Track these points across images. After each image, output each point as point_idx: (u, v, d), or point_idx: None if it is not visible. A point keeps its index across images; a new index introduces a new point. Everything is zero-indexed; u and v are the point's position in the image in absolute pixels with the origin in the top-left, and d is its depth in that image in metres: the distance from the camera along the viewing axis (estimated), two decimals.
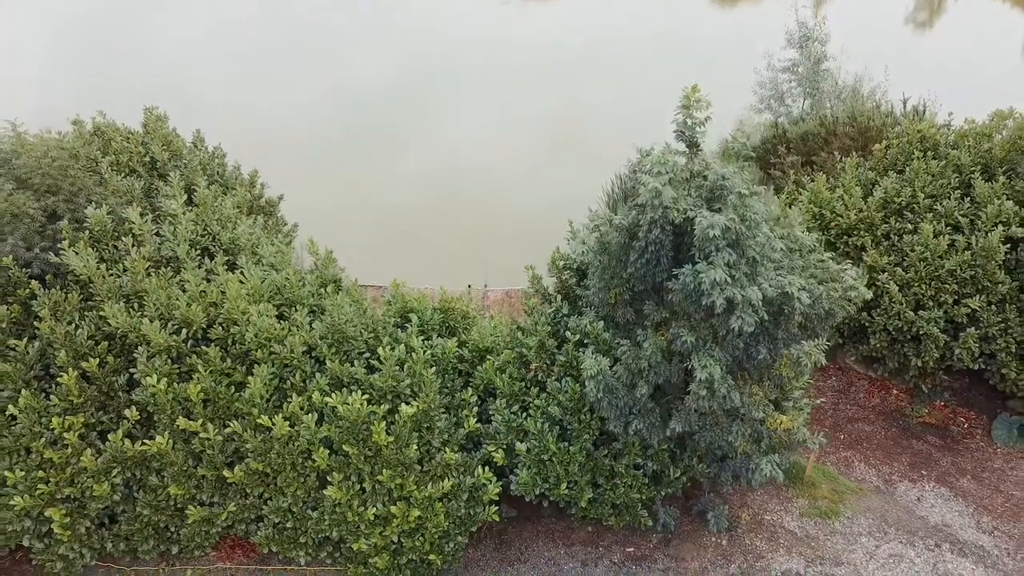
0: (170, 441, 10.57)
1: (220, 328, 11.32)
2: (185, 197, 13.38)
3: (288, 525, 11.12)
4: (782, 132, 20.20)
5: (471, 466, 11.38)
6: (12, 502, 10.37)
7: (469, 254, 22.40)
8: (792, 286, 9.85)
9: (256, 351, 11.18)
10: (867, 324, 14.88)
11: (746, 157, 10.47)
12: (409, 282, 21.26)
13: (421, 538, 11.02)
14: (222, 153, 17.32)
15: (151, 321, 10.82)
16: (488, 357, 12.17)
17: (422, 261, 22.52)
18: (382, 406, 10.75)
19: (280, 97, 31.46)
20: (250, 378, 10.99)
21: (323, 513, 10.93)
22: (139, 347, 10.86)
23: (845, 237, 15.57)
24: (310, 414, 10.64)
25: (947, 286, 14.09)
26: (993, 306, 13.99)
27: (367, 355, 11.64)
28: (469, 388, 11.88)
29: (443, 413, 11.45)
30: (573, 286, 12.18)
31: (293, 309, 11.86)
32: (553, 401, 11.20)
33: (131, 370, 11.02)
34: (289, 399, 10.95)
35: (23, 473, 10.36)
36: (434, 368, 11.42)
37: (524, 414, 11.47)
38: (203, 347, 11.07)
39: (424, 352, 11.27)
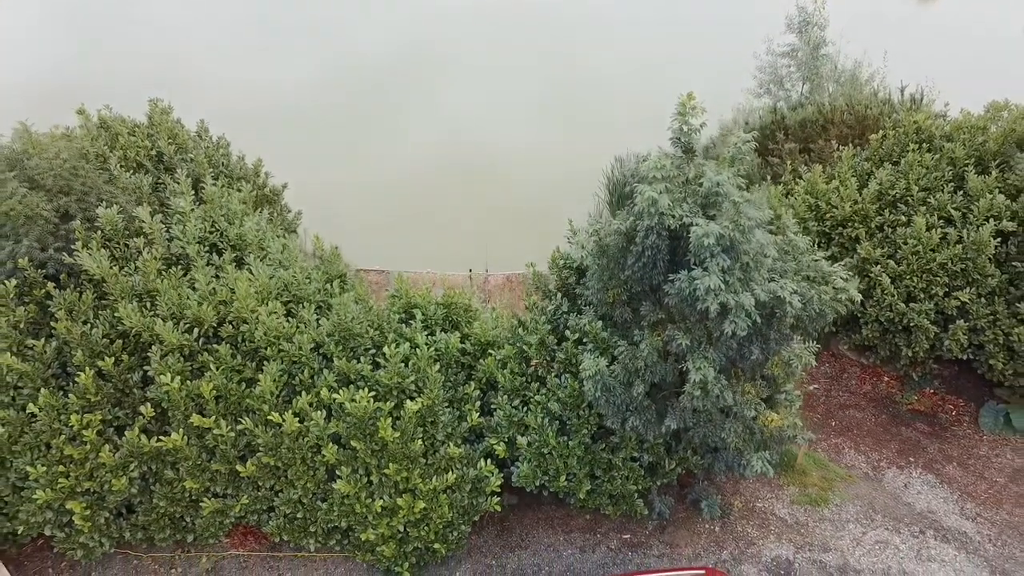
0: (185, 437, 10.99)
1: (230, 326, 11.68)
2: (192, 193, 13.69)
3: (299, 515, 11.59)
4: (780, 118, 20.35)
5: (474, 458, 11.82)
6: (35, 496, 10.85)
7: (470, 233, 22.63)
8: (784, 290, 10.19)
9: (266, 349, 11.56)
10: (859, 315, 15.23)
11: (742, 161, 10.73)
12: (410, 266, 21.69)
13: (426, 528, 11.50)
14: (226, 143, 17.56)
15: (164, 321, 11.19)
16: (490, 352, 12.55)
17: (422, 241, 22.73)
18: (388, 403, 11.16)
19: (275, 71, 31.23)
20: (260, 374, 11.41)
21: (332, 504, 11.41)
22: (152, 346, 11.24)
23: (840, 228, 15.83)
24: (319, 411, 11.05)
25: (938, 279, 14.40)
26: (983, 298, 14.31)
27: (373, 351, 12.01)
28: (471, 382, 12.29)
29: (446, 407, 11.87)
30: (573, 284, 12.50)
31: (300, 306, 12.21)
32: (553, 397, 11.61)
33: (145, 367, 11.41)
34: (298, 395, 11.37)
35: (44, 468, 10.80)
36: (437, 364, 11.84)
37: (525, 408, 11.88)
38: (214, 345, 11.45)
39: (428, 349, 11.66)
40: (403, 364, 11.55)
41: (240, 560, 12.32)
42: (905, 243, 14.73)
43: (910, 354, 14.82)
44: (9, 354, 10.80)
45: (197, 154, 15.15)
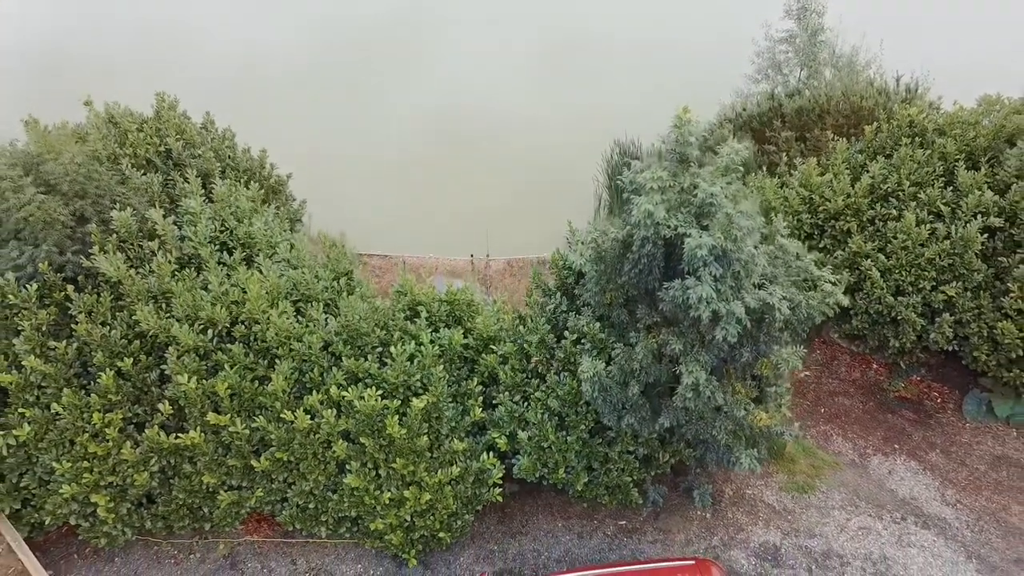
0: (202, 434, 11.55)
1: (243, 326, 12.18)
2: (202, 191, 14.09)
3: (310, 506, 12.21)
4: (778, 105, 20.58)
5: (477, 451, 12.40)
6: (61, 489, 11.45)
7: (471, 213, 22.89)
8: (773, 297, 10.68)
9: (277, 348, 12.07)
10: (850, 307, 15.68)
11: (736, 171, 11.12)
12: (412, 250, 22.08)
13: (432, 517, 12.12)
14: (232, 134, 17.86)
15: (180, 324, 11.68)
16: (492, 347, 13.06)
17: (423, 223, 22.99)
18: (394, 401, 11.70)
19: (253, 32, 30.92)
20: (272, 372, 11.95)
21: (342, 496, 12.02)
22: (169, 347, 11.75)
23: (833, 221, 16.22)
24: (330, 409, 11.61)
25: (926, 273, 14.84)
26: (968, 292, 14.76)
27: (380, 349, 12.52)
28: (474, 377, 12.83)
29: (450, 402, 12.41)
30: (572, 284, 12.96)
31: (309, 305, 12.69)
32: (552, 394, 12.15)
33: (162, 367, 11.94)
34: (309, 393, 11.92)
35: (69, 464, 11.38)
36: (441, 361, 12.38)
37: (525, 404, 12.44)
38: (228, 345, 11.95)
39: (432, 347, 12.17)
40: (409, 362, 12.07)
41: (255, 546, 12.97)
42: (895, 237, 15.15)
43: (898, 345, 15.33)
44: (33, 356, 11.31)
45: (205, 151, 15.45)
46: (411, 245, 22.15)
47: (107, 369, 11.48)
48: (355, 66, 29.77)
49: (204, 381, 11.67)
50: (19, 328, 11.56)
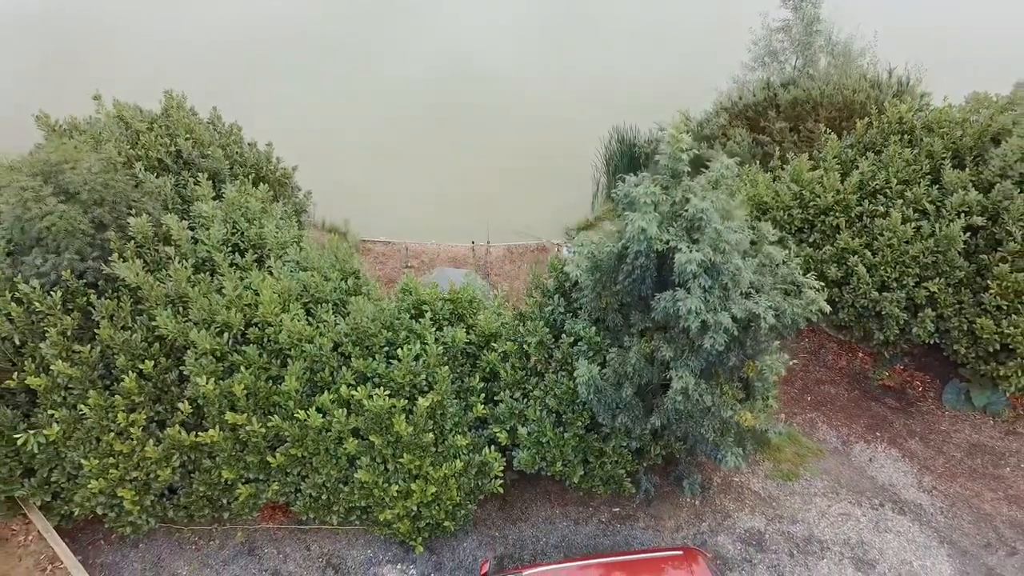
0: (220, 432, 12.27)
1: (256, 329, 12.82)
2: (213, 193, 14.62)
3: (323, 497, 12.98)
4: (773, 95, 20.97)
5: (479, 445, 13.14)
6: (89, 484, 12.21)
7: (471, 196, 23.33)
8: (759, 306, 11.30)
9: (289, 350, 12.73)
10: (837, 300, 16.32)
11: (727, 187, 11.67)
12: (413, 236, 22.58)
13: (437, 508, 12.90)
14: (238, 128, 18.28)
15: (198, 329, 12.32)
16: (493, 345, 13.72)
17: (423, 206, 23.38)
18: (401, 400, 12.40)
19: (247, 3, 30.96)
20: (285, 371, 12.64)
21: (353, 488, 12.78)
22: (188, 350, 12.41)
23: (823, 217, 16.76)
24: (341, 409, 12.31)
25: (910, 270, 15.43)
26: (950, 288, 15.38)
27: (386, 349, 13.18)
28: (476, 373, 13.50)
29: (454, 399, 13.11)
30: (570, 288, 13.57)
31: (319, 307, 13.33)
32: (550, 393, 12.84)
33: (180, 367, 12.61)
34: (320, 392, 12.62)
35: (96, 461, 12.12)
36: (445, 359, 13.06)
37: (525, 400, 13.14)
38: (243, 347, 12.61)
39: (436, 348, 12.84)
40: (415, 362, 12.75)
41: (270, 533, 13.79)
42: (881, 234, 15.70)
43: (882, 337, 15.98)
44: (59, 360, 11.96)
45: (214, 150, 15.91)
46: (413, 231, 22.66)
47: (129, 372, 12.15)
48: (351, 39, 29.82)
49: (221, 382, 12.35)
50: (45, 333, 12.20)
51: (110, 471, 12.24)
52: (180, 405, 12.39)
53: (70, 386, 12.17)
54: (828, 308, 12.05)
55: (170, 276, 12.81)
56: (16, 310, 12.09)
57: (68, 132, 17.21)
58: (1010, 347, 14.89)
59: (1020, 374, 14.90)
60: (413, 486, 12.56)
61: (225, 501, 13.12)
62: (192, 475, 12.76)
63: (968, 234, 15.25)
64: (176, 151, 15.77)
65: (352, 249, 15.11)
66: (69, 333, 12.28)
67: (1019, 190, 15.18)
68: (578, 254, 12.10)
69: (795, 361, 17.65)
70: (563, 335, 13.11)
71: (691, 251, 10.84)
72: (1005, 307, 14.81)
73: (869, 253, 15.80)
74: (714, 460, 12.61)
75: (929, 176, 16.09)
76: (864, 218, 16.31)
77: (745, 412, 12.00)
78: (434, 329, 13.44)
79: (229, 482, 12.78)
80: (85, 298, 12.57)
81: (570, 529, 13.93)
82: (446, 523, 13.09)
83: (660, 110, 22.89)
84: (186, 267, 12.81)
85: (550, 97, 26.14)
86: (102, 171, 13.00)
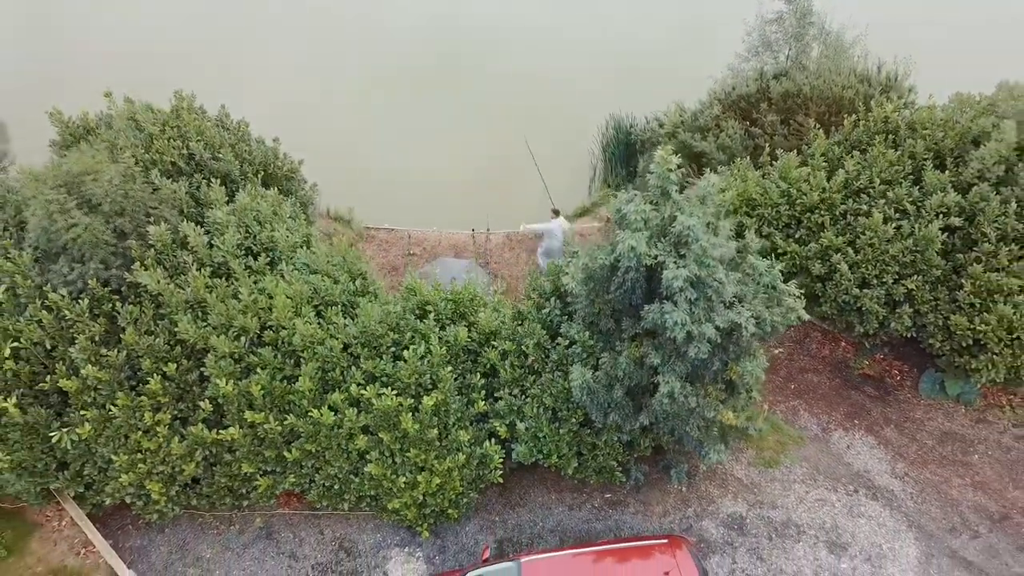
0: (240, 429, 13.20)
1: (271, 331, 13.67)
2: (225, 196, 15.32)
3: (335, 487, 13.98)
4: (765, 86, 21.48)
5: (480, 438, 14.09)
6: (120, 478, 13.19)
7: (472, 182, 23.92)
8: (741, 316, 12.13)
9: (302, 352, 13.60)
10: (820, 294, 17.13)
11: (713, 203, 12.40)
12: (416, 223, 23.22)
13: (441, 497, 13.89)
14: (246, 124, 18.87)
15: (216, 333, 13.17)
16: (493, 343, 14.58)
17: (425, 193, 23.96)
18: (408, 399, 13.31)
19: None
20: (298, 371, 13.53)
21: (363, 480, 13.77)
22: (208, 353, 13.27)
23: (808, 214, 17.47)
24: (352, 408, 13.22)
25: (889, 268, 16.20)
26: (927, 286, 16.18)
27: (393, 349, 14.05)
28: (477, 370, 14.39)
29: (456, 395, 14.02)
30: (565, 292, 14.37)
31: (329, 309, 14.15)
32: (547, 392, 13.74)
33: (201, 368, 13.49)
34: (331, 391, 13.53)
35: (126, 456, 13.08)
36: (449, 359, 13.93)
37: (524, 396, 14.06)
38: (259, 349, 13.47)
39: (440, 348, 13.70)
40: (420, 362, 13.63)
41: (286, 518, 14.83)
42: (863, 233, 16.45)
43: (862, 330, 16.85)
44: (89, 364, 12.83)
45: (225, 152, 16.53)
46: (415, 218, 23.31)
47: (154, 374, 13.03)
48: (350, 15, 30.07)
49: (239, 382, 13.25)
50: (74, 338, 13.05)
51: (138, 466, 13.21)
52: (201, 404, 13.31)
53: (99, 388, 13.06)
54: (807, 316, 12.91)
55: (188, 283, 13.60)
56: (47, 317, 12.93)
57: (82, 129, 17.89)
58: (982, 342, 15.74)
59: (990, 367, 15.77)
60: (419, 478, 13.55)
61: (245, 491, 14.13)
62: (214, 468, 13.74)
63: (946, 234, 16.01)
64: (188, 154, 16.39)
65: (358, 247, 15.78)
66: (97, 338, 13.12)
67: (995, 192, 15.92)
68: (572, 266, 12.87)
69: (781, 350, 18.54)
70: (559, 337, 13.97)
71: (678, 267, 11.63)
72: (978, 305, 15.63)
73: (851, 251, 16.55)
74: (699, 455, 13.57)
75: (911, 176, 16.78)
76: (848, 216, 17.02)
77: (727, 412, 12.90)
78: (438, 328, 14.30)
79: (248, 475, 13.76)
80: (110, 304, 13.38)
81: (565, 514, 14.96)
82: (450, 511, 14.10)
83: (659, 92, 23.61)
84: (204, 275, 13.59)
85: (548, 91, 26.55)
86: (122, 182, 13.67)
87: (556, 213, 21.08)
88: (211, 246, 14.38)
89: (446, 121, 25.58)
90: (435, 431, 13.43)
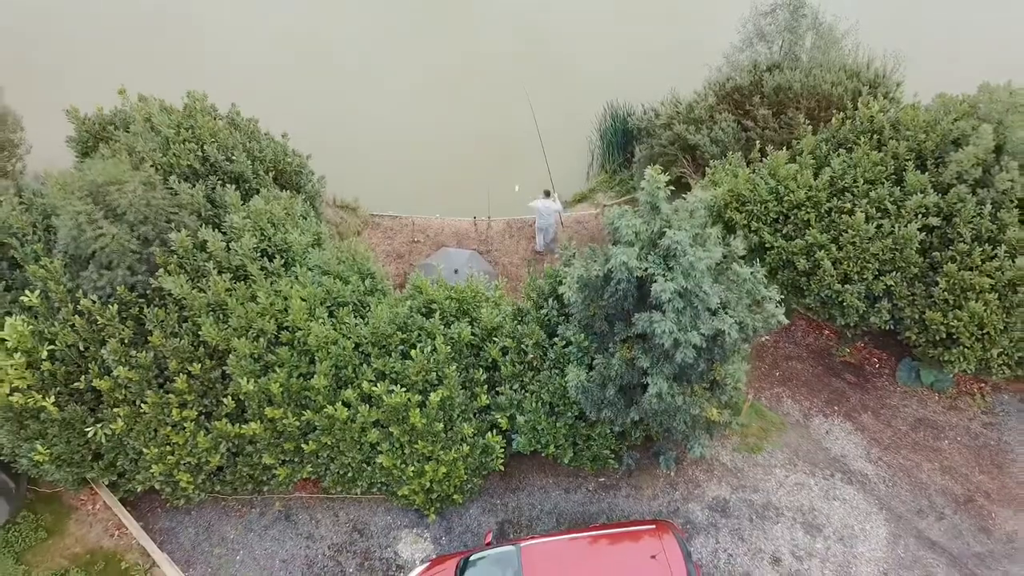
0: (260, 424, 14.27)
1: (287, 332, 14.65)
2: (240, 199, 16.16)
3: (348, 474, 15.11)
4: (758, 79, 22.10)
5: (483, 430, 15.18)
6: (150, 469, 14.31)
7: (473, 169, 24.59)
8: (725, 323, 13.09)
9: (317, 351, 14.60)
10: (804, 288, 18.05)
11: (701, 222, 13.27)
12: (419, 210, 23.99)
13: (447, 484, 15.02)
14: (255, 121, 19.59)
15: (237, 335, 14.15)
16: (494, 339, 15.57)
17: (427, 180, 24.66)
18: (416, 395, 14.35)
19: None
20: (314, 368, 14.55)
21: (375, 469, 14.89)
22: (230, 353, 14.28)
23: (795, 211, 18.31)
24: (364, 405, 14.27)
25: (870, 265, 17.10)
26: (905, 282, 17.10)
27: (401, 348, 15.05)
28: (480, 368, 15.40)
29: (461, 390, 15.06)
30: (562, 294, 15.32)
31: (340, 309, 15.11)
32: (544, 388, 14.78)
33: (223, 367, 14.50)
34: (344, 387, 14.57)
35: (156, 449, 14.17)
36: (453, 355, 14.94)
37: (523, 391, 15.10)
38: (276, 349, 14.47)
39: (445, 348, 14.70)
40: (426, 360, 14.64)
41: (303, 502, 16.00)
42: (846, 231, 17.31)
43: (843, 322, 17.83)
44: (120, 366, 13.84)
45: (238, 154, 17.30)
46: (418, 205, 24.08)
47: (180, 374, 14.05)
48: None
49: (259, 380, 14.27)
50: (105, 341, 14.03)
51: (167, 457, 14.32)
52: (224, 400, 14.35)
53: (130, 386, 14.09)
54: (786, 321, 13.85)
55: (209, 286, 14.53)
56: (79, 321, 13.90)
57: (98, 126, 18.65)
58: (954, 336, 16.74)
59: (962, 359, 16.77)
60: (426, 467, 14.66)
61: (265, 479, 15.26)
62: (237, 458, 14.85)
63: (924, 233, 16.87)
64: (203, 156, 17.16)
65: (364, 234, 16.64)
66: (126, 341, 14.11)
67: (972, 193, 16.76)
68: (569, 276, 13.78)
69: (767, 337, 19.53)
70: (556, 337, 14.95)
71: (667, 280, 12.55)
72: (951, 301, 16.58)
73: (835, 248, 17.43)
74: (685, 448, 14.66)
75: (893, 176, 17.58)
76: (832, 213, 17.85)
77: (712, 409, 13.95)
78: (443, 326, 15.27)
79: (269, 465, 14.88)
80: (138, 308, 14.34)
81: (562, 497, 16.13)
82: (455, 496, 15.25)
83: (659, 79, 24.17)
84: (224, 280, 14.52)
85: (549, 72, 27.04)
86: (144, 192, 14.50)
87: (547, 194, 21.85)
88: (228, 249, 15.27)
89: (447, 108, 26.17)
90: (441, 424, 14.49)
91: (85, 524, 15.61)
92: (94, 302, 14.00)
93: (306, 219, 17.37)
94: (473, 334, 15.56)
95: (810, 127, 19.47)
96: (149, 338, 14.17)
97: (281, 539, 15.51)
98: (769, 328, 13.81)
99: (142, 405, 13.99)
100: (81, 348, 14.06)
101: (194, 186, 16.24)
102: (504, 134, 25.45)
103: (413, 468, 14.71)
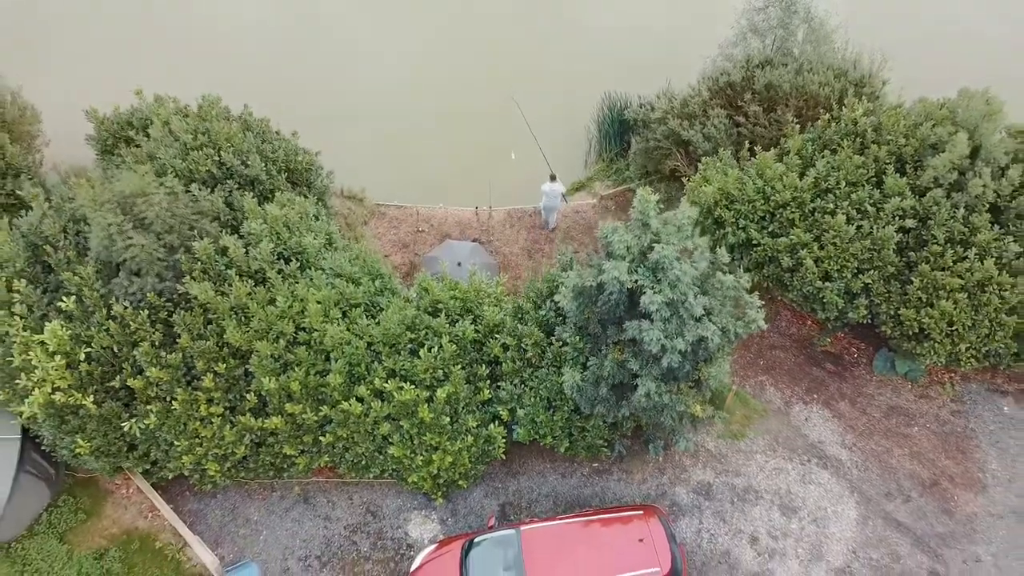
0: (281, 418, 15.53)
1: (304, 333, 15.83)
2: (253, 197, 17.19)
3: (362, 463, 16.42)
4: (750, 75, 22.88)
5: (486, 421, 16.45)
6: (181, 459, 15.62)
7: (474, 158, 25.42)
8: (708, 330, 14.24)
9: (332, 351, 15.79)
10: (788, 284, 19.16)
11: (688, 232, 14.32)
12: (423, 200, 24.91)
13: (453, 471, 16.34)
14: (266, 120, 20.48)
15: (259, 337, 15.32)
16: (496, 335, 16.75)
17: (431, 169, 25.46)
18: (424, 392, 15.58)
19: None
20: (329, 366, 15.75)
21: (386, 458, 16.20)
22: (252, 354, 15.47)
23: (781, 210, 19.32)
24: (376, 400, 15.51)
25: (849, 264, 18.20)
26: (882, 280, 18.21)
27: (410, 346, 16.23)
28: (483, 363, 16.60)
29: (465, 385, 16.29)
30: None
31: (352, 310, 16.26)
32: (542, 385, 16.01)
33: (246, 366, 15.71)
34: (357, 384, 15.79)
35: (186, 442, 15.46)
36: (458, 353, 16.12)
37: (523, 386, 16.33)
38: (294, 348, 15.66)
39: (451, 347, 15.88)
40: (433, 359, 15.83)
41: (320, 485, 17.36)
42: (827, 231, 18.35)
43: (823, 316, 18.99)
44: (152, 367, 15.04)
45: (253, 159, 18.25)
46: (423, 193, 25.00)
47: (207, 373, 15.26)
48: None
49: (279, 378, 15.48)
50: (137, 343, 15.21)
51: (196, 449, 15.61)
52: (248, 396, 15.58)
53: (161, 385, 15.29)
54: (765, 326, 15.00)
55: (231, 290, 15.64)
56: (113, 326, 15.05)
57: (116, 126, 19.59)
58: (926, 332, 17.91)
59: (933, 353, 17.96)
60: (434, 457, 15.96)
61: (285, 466, 16.58)
62: (260, 449, 16.14)
63: (900, 234, 17.92)
64: (220, 162, 18.11)
65: (371, 224, 17.70)
66: (156, 343, 15.28)
67: (946, 196, 17.78)
68: (564, 286, 14.89)
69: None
70: (553, 336, 16.12)
71: (655, 292, 13.68)
72: (924, 299, 17.71)
73: (817, 247, 18.49)
74: (672, 441, 15.95)
75: (874, 178, 18.56)
76: (816, 213, 18.87)
77: (696, 406, 15.18)
78: (448, 325, 16.44)
79: (289, 455, 16.18)
80: (166, 312, 15.48)
81: (558, 481, 17.48)
82: (460, 481, 16.59)
83: (656, 71, 24.90)
84: (246, 285, 15.63)
85: (547, 61, 27.70)
86: (169, 204, 15.52)
87: (552, 178, 22.89)
88: (247, 254, 16.34)
89: (448, 102, 26.88)
90: (447, 418, 15.75)
91: (120, 507, 16.99)
92: (126, 308, 15.13)
93: (318, 219, 18.37)
94: (476, 331, 16.72)
95: (798, 125, 20.38)
96: (177, 340, 15.33)
97: (301, 520, 16.90)
98: (749, 332, 14.95)
99: (173, 402, 15.20)
100: (115, 350, 15.22)
101: (212, 191, 17.24)
102: (505, 127, 26.24)
103: (422, 457, 16.01)
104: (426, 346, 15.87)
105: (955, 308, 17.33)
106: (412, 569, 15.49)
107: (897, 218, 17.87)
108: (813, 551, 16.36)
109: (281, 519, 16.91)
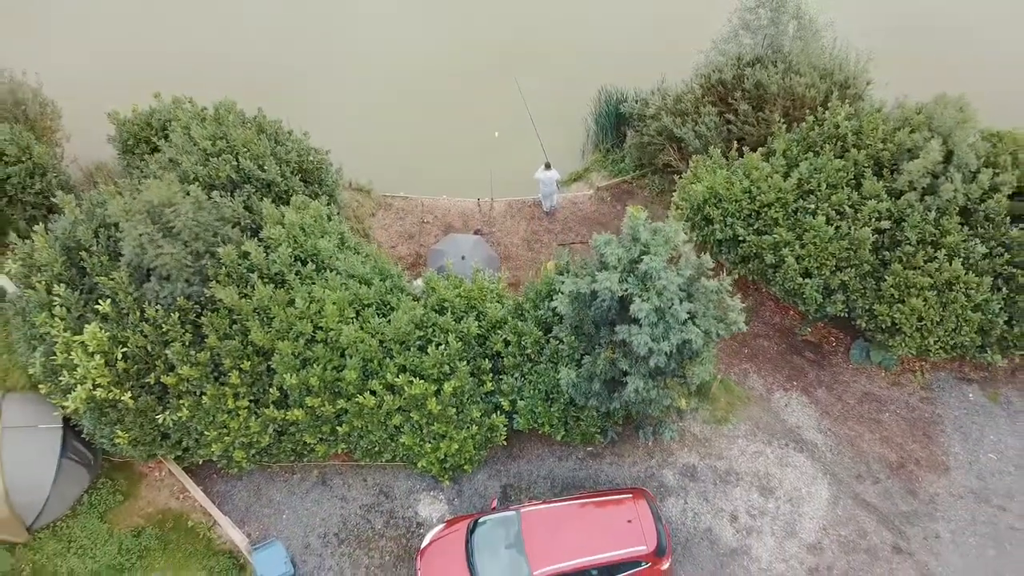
0: (301, 411, 16.97)
1: (322, 332, 17.19)
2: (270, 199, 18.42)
3: (376, 449, 17.92)
4: (741, 73, 23.85)
5: (488, 411, 17.90)
6: (211, 448, 17.12)
7: (476, 150, 26.38)
8: (691, 333, 15.59)
9: (347, 348, 17.16)
10: (771, 279, 20.47)
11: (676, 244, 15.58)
12: (426, 191, 26.00)
13: (458, 456, 17.85)
14: (279, 121, 21.56)
15: (280, 337, 16.70)
16: (498, 330, 18.12)
17: (434, 160, 26.46)
18: (432, 386, 17.00)
19: None
20: (345, 362, 17.15)
21: (398, 445, 17.69)
22: (275, 353, 16.85)
23: (766, 209, 20.53)
24: (389, 394, 16.93)
25: (828, 262, 19.47)
26: (858, 278, 19.50)
27: (419, 344, 17.61)
28: (485, 358, 17.99)
29: (469, 378, 17.70)
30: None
31: (366, 310, 17.60)
32: (541, 379, 17.43)
33: (269, 363, 17.10)
34: (371, 379, 17.20)
35: (215, 432, 16.93)
36: (463, 348, 17.51)
37: (523, 380, 17.76)
38: (312, 346, 17.03)
39: (456, 344, 17.25)
40: (441, 355, 17.22)
41: (337, 469, 18.89)
42: (808, 231, 19.59)
43: (803, 309, 20.33)
44: (184, 366, 16.43)
45: (269, 163, 19.40)
46: (427, 183, 26.06)
47: (233, 370, 16.66)
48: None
49: (299, 373, 16.88)
50: (169, 343, 16.57)
51: (224, 438, 17.09)
52: (271, 390, 17.01)
53: (192, 381, 16.70)
54: (745, 328, 16.35)
55: (254, 293, 16.96)
56: (147, 327, 16.41)
57: (136, 127, 20.70)
58: (898, 326, 19.27)
59: (904, 345, 19.33)
60: (441, 444, 17.44)
61: (305, 453, 18.08)
62: (282, 437, 17.63)
63: (876, 235, 19.17)
64: (238, 166, 19.26)
65: (378, 215, 18.95)
66: (187, 343, 16.64)
67: (920, 200, 19.00)
68: (560, 294, 16.20)
69: None
70: (551, 334, 17.49)
71: (643, 300, 15.00)
72: (896, 296, 19.02)
73: (798, 245, 19.74)
74: (658, 431, 17.43)
75: (853, 181, 19.74)
76: (798, 213, 20.08)
77: (681, 399, 16.61)
78: (454, 322, 17.79)
79: (309, 443, 17.66)
80: (195, 314, 16.83)
81: (555, 464, 19.01)
82: (465, 466, 18.11)
83: (652, 65, 25.84)
84: (268, 289, 16.94)
85: (547, 52, 28.54)
86: (195, 212, 16.73)
87: (547, 166, 24.06)
88: (267, 257, 17.61)
89: (448, 98, 27.83)
90: (454, 409, 17.20)
91: (155, 488, 18.53)
92: (158, 310, 16.46)
93: (330, 219, 19.59)
94: (480, 326, 18.06)
95: (785, 125, 21.48)
96: (206, 340, 16.70)
97: (320, 500, 18.46)
98: (731, 333, 16.31)
99: (203, 396, 16.63)
100: (149, 349, 16.59)
101: (232, 195, 18.45)
102: (505, 118, 27.19)
103: (430, 445, 17.50)
104: (434, 343, 17.24)
105: (924, 305, 18.66)
106: (422, 546, 17.08)
107: (873, 219, 19.10)
108: (788, 528, 17.95)
109: (302, 500, 18.47)
